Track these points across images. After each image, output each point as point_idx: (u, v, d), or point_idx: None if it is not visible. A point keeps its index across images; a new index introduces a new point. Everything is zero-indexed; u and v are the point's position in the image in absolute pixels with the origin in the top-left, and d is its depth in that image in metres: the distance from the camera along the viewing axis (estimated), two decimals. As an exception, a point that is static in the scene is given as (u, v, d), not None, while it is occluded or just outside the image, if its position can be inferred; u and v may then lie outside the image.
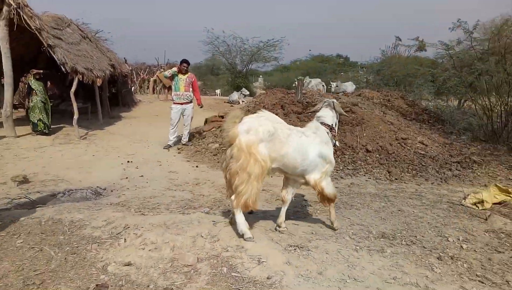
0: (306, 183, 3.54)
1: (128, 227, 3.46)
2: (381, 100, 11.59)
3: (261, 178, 3.11)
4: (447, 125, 10.44)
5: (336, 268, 2.92)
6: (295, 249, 3.18)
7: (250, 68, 30.62)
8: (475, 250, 3.39)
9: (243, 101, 19.33)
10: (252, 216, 4.12)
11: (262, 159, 3.08)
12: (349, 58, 45.53)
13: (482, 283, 2.83)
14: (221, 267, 2.84)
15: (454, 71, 10.21)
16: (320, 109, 3.80)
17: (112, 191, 5.08)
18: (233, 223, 3.35)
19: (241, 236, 3.22)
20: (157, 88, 20.71)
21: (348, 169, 6.13)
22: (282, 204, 3.64)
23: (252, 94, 22.44)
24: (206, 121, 9.26)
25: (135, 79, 22.60)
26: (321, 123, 3.64)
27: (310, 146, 3.38)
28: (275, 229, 3.59)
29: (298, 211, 4.42)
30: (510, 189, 4.79)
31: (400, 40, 26.00)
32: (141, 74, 23.90)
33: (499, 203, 4.65)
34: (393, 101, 11.59)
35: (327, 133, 3.59)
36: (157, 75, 19.66)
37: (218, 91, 26.95)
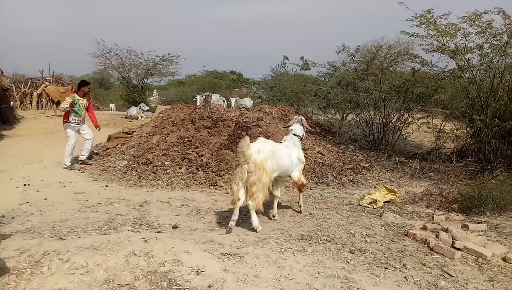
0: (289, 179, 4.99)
1: (48, 254, 3.23)
2: (279, 114, 12.43)
3: (268, 186, 4.22)
4: (336, 137, 11.72)
5: (268, 270, 3.18)
6: (228, 257, 3.35)
7: (146, 83, 29.77)
8: (376, 242, 3.99)
9: (142, 116, 18.71)
10: (178, 231, 4.17)
11: (270, 171, 4.20)
12: (243, 75, 47.35)
13: (387, 268, 3.38)
14: (160, 282, 2.87)
15: (341, 89, 11.57)
16: (293, 124, 5.11)
17: (13, 217, 4.57)
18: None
19: (254, 229, 4.17)
20: (42, 103, 18.75)
21: (260, 179, 6.52)
22: (274, 199, 4.77)
23: (151, 109, 21.83)
24: (109, 138, 8.82)
25: (14, 93, 20.11)
26: (294, 134, 4.94)
27: (293, 154, 4.69)
28: (271, 218, 4.69)
29: (221, 222, 4.59)
30: (395, 189, 5.71)
31: (288, 59, 28.17)
32: (22, 88, 21.37)
33: (388, 202, 5.50)
34: (289, 115, 12.52)
35: (299, 141, 4.94)
36: (42, 89, 17.83)
37: (112, 106, 25.52)
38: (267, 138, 7.50)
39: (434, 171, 7.64)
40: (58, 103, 17.39)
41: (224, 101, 18.96)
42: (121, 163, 7.44)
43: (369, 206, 5.33)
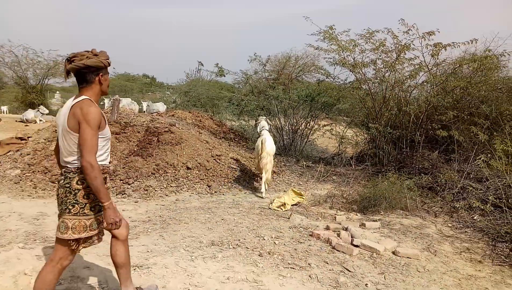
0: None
1: None
2: (193, 120, 12.31)
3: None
4: (250, 142, 11.99)
5: (177, 279, 3.11)
6: (134, 269, 3.20)
7: (47, 84, 27.19)
8: (284, 244, 4.16)
9: (41, 120, 17.00)
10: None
11: (272, 154, 6.75)
12: (156, 78, 45.90)
13: (293, 268, 3.54)
14: (56, 302, 2.62)
15: (253, 97, 11.88)
16: (261, 122, 7.27)
17: None
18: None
19: (260, 196, 6.47)
20: None
21: (171, 186, 6.36)
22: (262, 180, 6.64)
23: (51, 112, 19.96)
24: (-1, 144, 7.83)
25: None
26: (266, 130, 7.04)
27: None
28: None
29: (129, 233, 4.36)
30: (302, 193, 6.03)
31: (203, 64, 28.14)
32: None
33: (296, 204, 5.78)
34: (204, 121, 12.47)
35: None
36: None
37: (4, 108, 22.74)
38: (180, 144, 7.41)
39: (337, 174, 8.24)
40: None
41: (135, 105, 18.12)
42: (13, 172, 6.65)
43: (279, 209, 5.54)
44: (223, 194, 6.48)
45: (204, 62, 32.42)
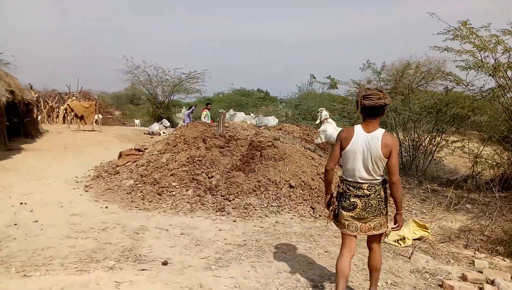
0: None
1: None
2: (301, 134, 11.81)
3: None
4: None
5: (263, 332, 2.54)
6: (216, 310, 2.74)
7: (172, 99, 29.99)
8: (404, 295, 3.26)
9: (164, 133, 18.51)
10: (167, 268, 3.59)
11: None
12: (269, 93, 47.20)
13: (416, 334, 2.65)
14: None
15: (367, 108, 10.82)
16: (323, 111, 8.54)
17: (-8, 243, 4.14)
18: None
19: None
20: (68, 118, 18.90)
21: (272, 206, 5.88)
22: None
23: (174, 125, 21.73)
24: (120, 155, 8.46)
25: (42, 107, 20.49)
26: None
27: None
28: None
29: (221, 258, 3.98)
30: (427, 225, 4.92)
31: (315, 78, 27.75)
32: (49, 102, 21.81)
33: (419, 239, 4.72)
34: (312, 135, 11.87)
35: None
36: (67, 104, 17.99)
37: (137, 121, 25.65)
38: (283, 160, 6.92)
39: (472, 202, 6.74)
40: (82, 118, 17.49)
41: (251, 119, 18.42)
42: (128, 183, 7.00)
43: (396, 244, 4.58)
44: (327, 222, 5.72)
45: (317, 75, 32.02)
